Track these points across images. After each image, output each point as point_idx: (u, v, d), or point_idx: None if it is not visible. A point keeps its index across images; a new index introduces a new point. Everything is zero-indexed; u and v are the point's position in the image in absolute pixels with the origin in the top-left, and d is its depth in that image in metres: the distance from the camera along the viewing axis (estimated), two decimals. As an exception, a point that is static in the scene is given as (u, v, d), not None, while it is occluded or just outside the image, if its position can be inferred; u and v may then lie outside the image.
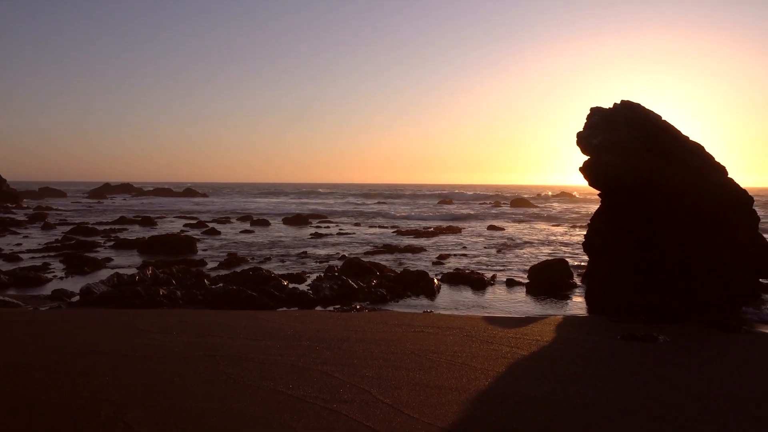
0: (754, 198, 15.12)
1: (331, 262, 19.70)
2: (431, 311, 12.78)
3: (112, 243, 25.33)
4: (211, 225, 34.82)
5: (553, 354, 8.91)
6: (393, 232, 32.81)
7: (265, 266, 18.62)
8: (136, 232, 31.12)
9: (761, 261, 14.75)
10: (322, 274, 16.61)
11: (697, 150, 14.46)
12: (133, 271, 16.68)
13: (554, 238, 30.78)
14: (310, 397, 6.32)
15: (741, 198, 14.58)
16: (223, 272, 17.49)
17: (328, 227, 36.12)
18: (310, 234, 30.63)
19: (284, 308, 13.05)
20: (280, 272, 17.28)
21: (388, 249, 23.60)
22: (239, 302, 13.03)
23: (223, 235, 29.93)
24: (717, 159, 14.66)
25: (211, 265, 19.55)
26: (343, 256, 21.52)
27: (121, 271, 16.60)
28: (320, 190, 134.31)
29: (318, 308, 13.16)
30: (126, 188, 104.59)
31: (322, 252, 23.15)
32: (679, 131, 14.67)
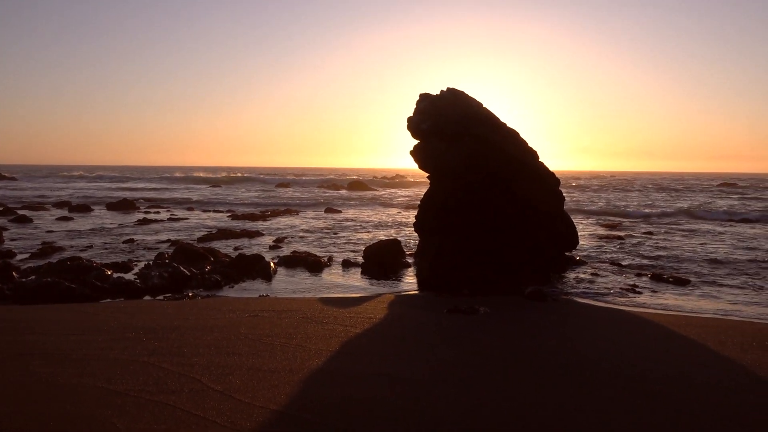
0: (560, 180, 16.83)
1: (161, 249, 18.74)
2: (268, 295, 12.68)
3: None
4: (21, 212, 31.39)
5: (384, 330, 9.28)
6: (228, 217, 31.93)
7: (85, 255, 17.23)
8: (-74, 222, 27.18)
9: (566, 236, 16.51)
10: (151, 262, 15.75)
11: (512, 136, 15.74)
12: (-77, 266, 14.56)
13: (389, 219, 31.89)
14: (134, 391, 6.01)
15: (550, 180, 16.16)
16: (36, 263, 15.91)
17: (158, 213, 34.23)
18: (138, 220, 28.82)
19: (109, 299, 12.21)
20: (104, 261, 16.10)
21: (223, 234, 22.94)
22: (56, 295, 11.96)
23: (36, 223, 27.16)
24: (530, 144, 16.08)
25: (21, 256, 17.68)
26: (174, 242, 20.56)
27: None
28: (148, 173, 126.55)
29: (147, 298, 12.49)
30: None
31: (151, 238, 21.93)
32: (498, 117, 15.86)
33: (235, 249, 19.28)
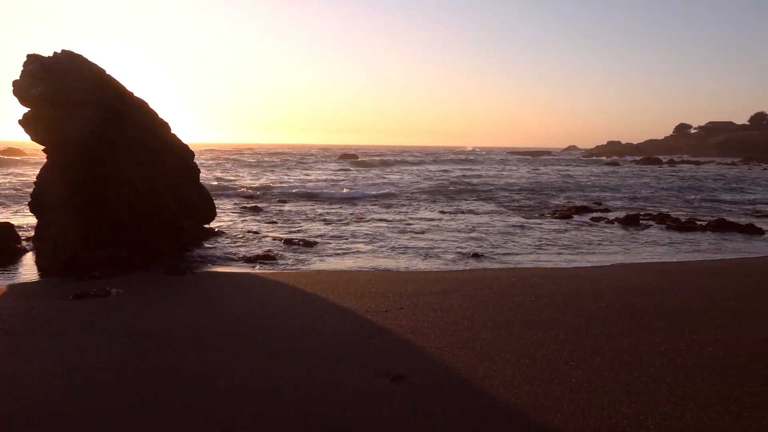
0: (195, 152, 16.80)
1: None
2: None
3: None
4: None
5: (-8, 327, 8.04)
6: None
7: None
8: None
9: (204, 209, 16.62)
10: None
11: (141, 106, 15.02)
12: None
13: None
14: None
15: (183, 152, 15.98)
16: None
17: None
18: None
19: None
20: None
21: None
22: None
23: None
24: (160, 116, 15.58)
25: None
26: None
27: None
28: None
29: None
30: None
31: None
32: (124, 86, 14.93)
33: None
